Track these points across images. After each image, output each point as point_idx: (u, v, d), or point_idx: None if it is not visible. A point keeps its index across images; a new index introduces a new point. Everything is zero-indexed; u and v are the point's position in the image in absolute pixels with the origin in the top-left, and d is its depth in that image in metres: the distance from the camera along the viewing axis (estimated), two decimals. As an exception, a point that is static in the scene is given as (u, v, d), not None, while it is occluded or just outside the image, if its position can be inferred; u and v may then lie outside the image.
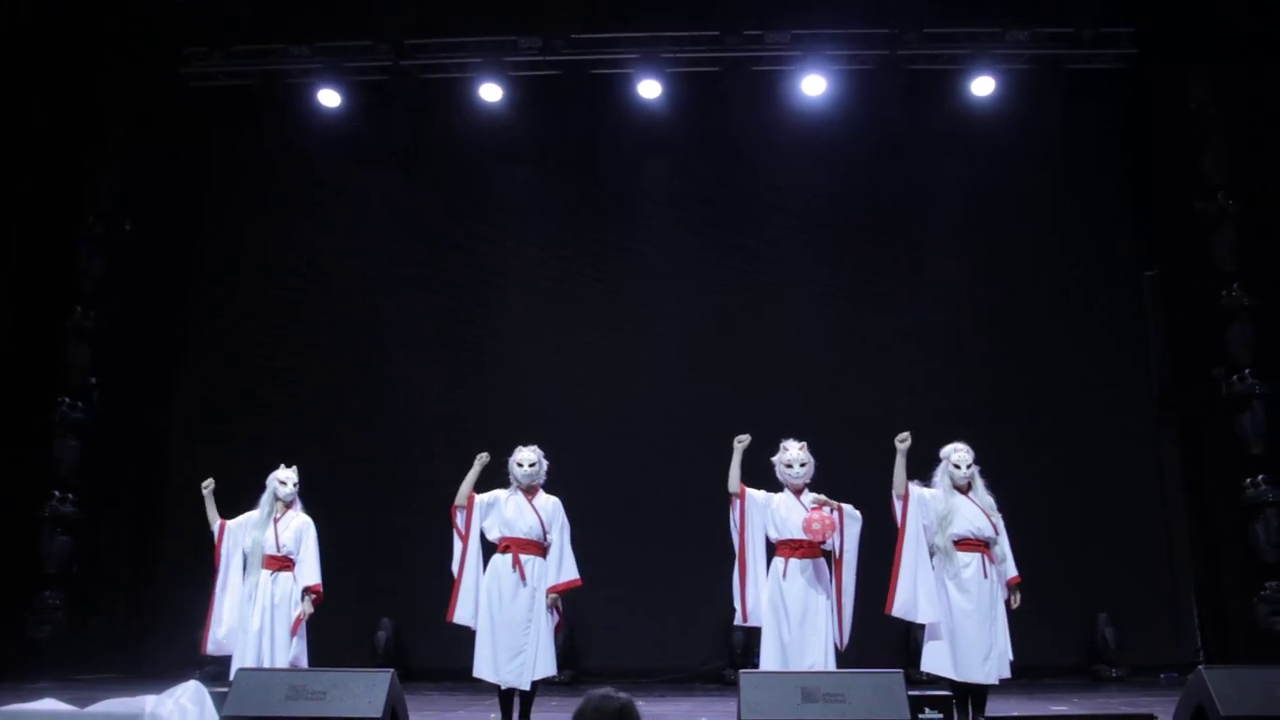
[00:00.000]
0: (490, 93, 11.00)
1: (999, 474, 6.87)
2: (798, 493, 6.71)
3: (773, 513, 6.68)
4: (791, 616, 6.45)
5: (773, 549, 6.67)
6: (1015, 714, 6.27)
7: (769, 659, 6.51)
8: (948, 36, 10.78)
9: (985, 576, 6.43)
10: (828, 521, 6.43)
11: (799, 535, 6.52)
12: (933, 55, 10.88)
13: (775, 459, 6.84)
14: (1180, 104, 10.68)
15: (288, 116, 11.23)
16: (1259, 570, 9.49)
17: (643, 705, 3.37)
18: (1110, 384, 10.94)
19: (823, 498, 6.62)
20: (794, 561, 6.52)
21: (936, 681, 6.64)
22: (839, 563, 6.52)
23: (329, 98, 11.11)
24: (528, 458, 6.87)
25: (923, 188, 11.40)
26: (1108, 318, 11.12)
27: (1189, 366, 10.81)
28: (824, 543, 6.48)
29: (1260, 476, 9.85)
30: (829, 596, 6.51)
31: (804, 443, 6.84)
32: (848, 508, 6.62)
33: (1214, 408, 10.39)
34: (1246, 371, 10.09)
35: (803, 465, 6.73)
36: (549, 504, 6.85)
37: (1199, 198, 10.47)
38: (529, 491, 6.82)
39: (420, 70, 11.15)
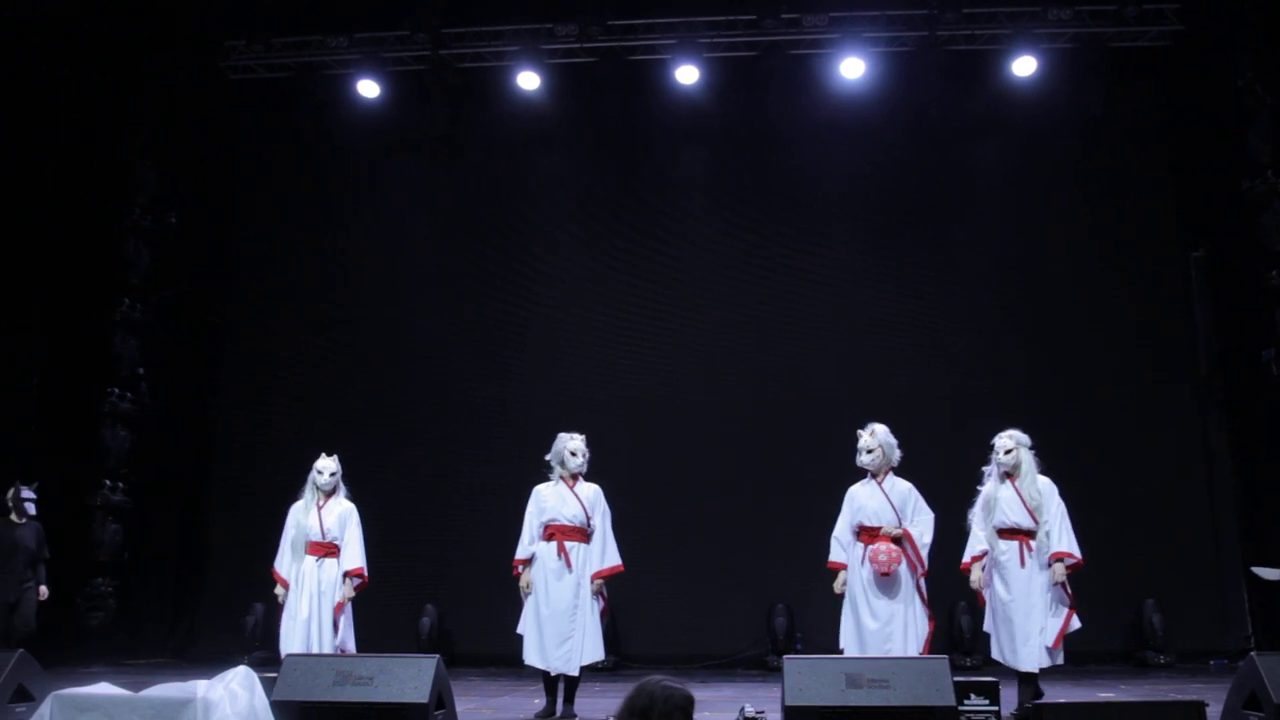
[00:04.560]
0: (528, 81, 11.00)
1: (1042, 454, 6.83)
2: (877, 478, 6.73)
3: (851, 499, 6.74)
4: (873, 605, 6.52)
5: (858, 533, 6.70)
6: (1061, 700, 6.20)
7: (849, 642, 6.59)
8: (988, 16, 10.65)
9: (1023, 565, 6.43)
10: (893, 554, 6.48)
11: (876, 523, 6.60)
12: (972, 35, 10.76)
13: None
14: (1226, 82, 10.47)
15: (326, 108, 11.31)
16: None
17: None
18: (1154, 367, 10.82)
19: (905, 488, 6.66)
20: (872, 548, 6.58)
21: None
22: (913, 566, 6.59)
23: (368, 88, 11.17)
24: (579, 447, 6.88)
25: (963, 170, 11.31)
26: (1151, 299, 10.99)
27: (1237, 348, 10.64)
28: (889, 574, 6.51)
29: (1311, 459, 9.70)
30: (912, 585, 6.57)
31: (875, 428, 6.78)
32: (916, 530, 6.58)
33: (1264, 389, 10.21)
34: (1295, 353, 9.91)
35: (870, 452, 6.70)
36: (590, 491, 6.87)
37: (1246, 176, 10.28)
38: (571, 479, 6.84)
39: (457, 59, 11.19)
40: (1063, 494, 6.55)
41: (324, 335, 11.53)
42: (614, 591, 7.11)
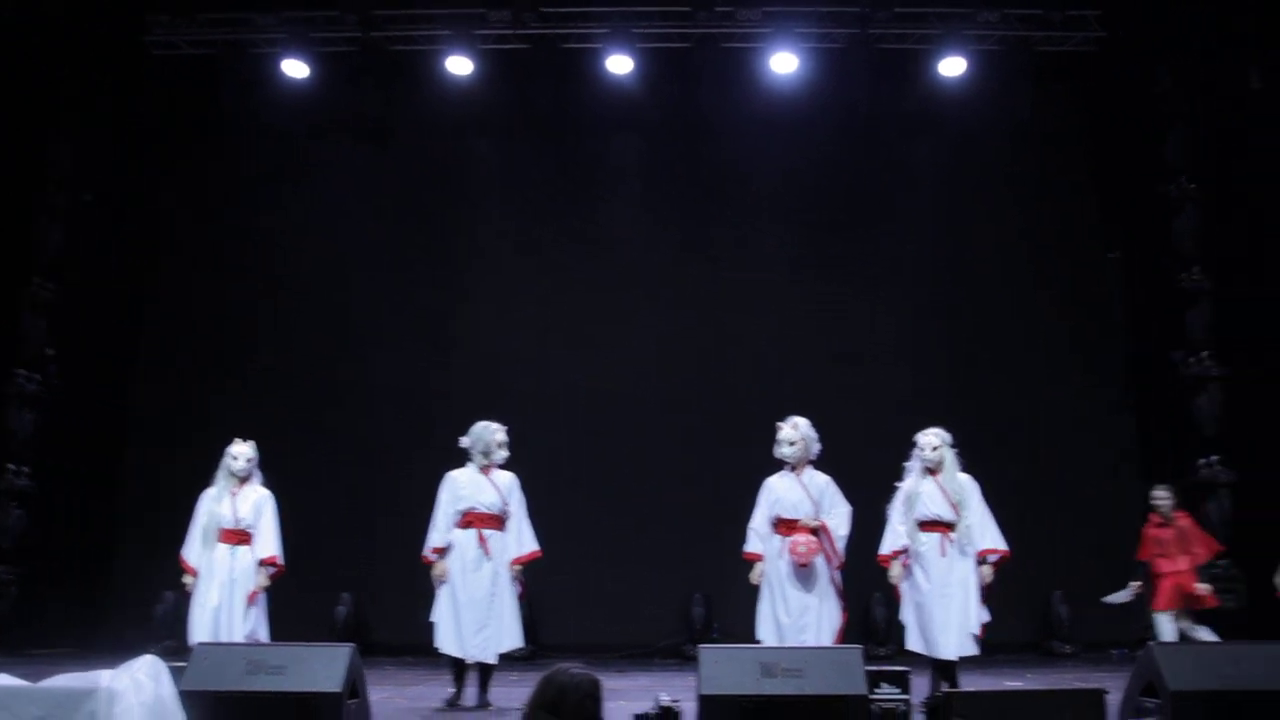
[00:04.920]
0: (459, 65, 10.88)
1: (962, 453, 6.95)
2: (796, 470, 6.83)
3: (769, 490, 6.83)
4: (789, 597, 6.63)
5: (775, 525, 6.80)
6: (970, 689, 6.34)
7: (765, 631, 6.70)
8: (918, 16, 10.78)
9: (943, 555, 6.55)
10: (812, 546, 6.61)
11: (794, 515, 6.71)
12: (903, 35, 10.89)
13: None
14: (1145, 88, 10.77)
15: (253, 87, 11.08)
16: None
17: (601, 680, 3.37)
18: (1072, 365, 11.09)
19: (823, 481, 6.77)
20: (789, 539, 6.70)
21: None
22: (829, 558, 6.73)
23: (295, 68, 10.96)
24: (505, 439, 6.89)
25: (893, 167, 11.46)
26: (1072, 300, 11.25)
27: (1150, 349, 10.93)
28: (806, 565, 6.62)
29: (1214, 457, 10.00)
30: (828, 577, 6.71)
31: (796, 420, 6.86)
32: (833, 522, 6.72)
33: (1172, 390, 10.51)
34: (1204, 354, 10.21)
35: (791, 444, 6.77)
36: (506, 478, 6.89)
37: (1161, 181, 10.57)
38: (486, 468, 6.83)
39: (388, 42, 11.03)
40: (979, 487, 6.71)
41: (245, 318, 11.32)
42: (532, 580, 7.12)
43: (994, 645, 6.83)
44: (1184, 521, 8.49)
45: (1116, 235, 11.35)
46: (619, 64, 10.83)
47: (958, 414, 7.72)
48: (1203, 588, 8.24)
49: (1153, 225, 10.74)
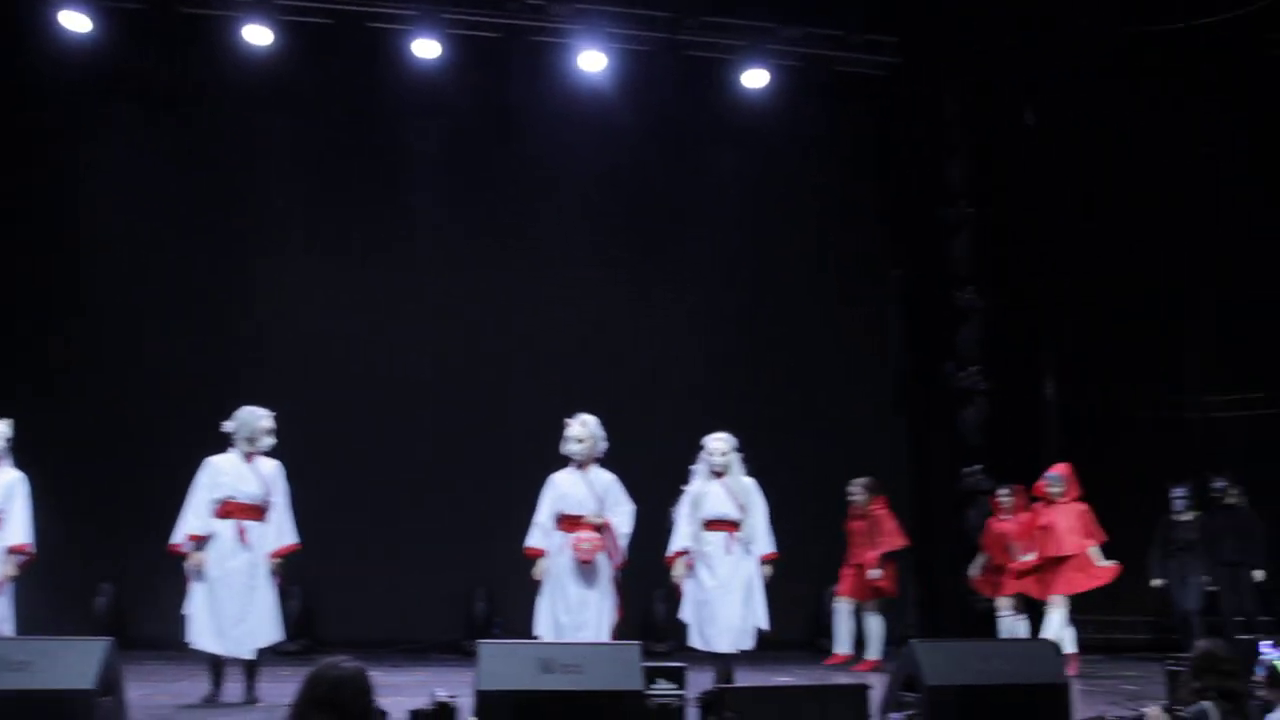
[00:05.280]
0: (257, 35, 10.40)
1: (750, 456, 7.18)
2: (582, 467, 6.87)
3: (554, 486, 6.86)
4: (569, 593, 6.68)
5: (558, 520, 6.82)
6: (740, 685, 6.54)
7: (545, 627, 6.72)
8: (725, 26, 10.98)
9: (729, 553, 6.77)
10: (596, 543, 6.69)
11: (579, 511, 6.76)
12: (710, 44, 11.07)
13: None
14: (933, 115, 11.36)
15: (26, 39, 10.24)
16: (969, 554, 10.25)
17: (378, 675, 3.31)
18: (856, 377, 11.57)
19: (608, 479, 6.85)
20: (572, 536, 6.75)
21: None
22: (611, 556, 6.83)
23: (74, 21, 10.18)
24: (271, 426, 6.69)
25: (695, 173, 11.64)
26: (860, 314, 11.75)
27: (925, 362, 11.56)
28: (589, 562, 6.67)
29: (977, 466, 10.69)
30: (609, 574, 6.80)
31: (585, 418, 6.90)
32: (616, 520, 6.80)
33: (943, 402, 11.17)
34: (974, 369, 10.89)
35: (579, 441, 6.79)
36: (270, 467, 6.70)
37: (942, 204, 11.19)
38: (250, 455, 6.58)
39: (180, 3, 10.41)
40: (764, 490, 6.96)
41: (8, 288, 10.45)
42: (309, 574, 6.92)
43: (767, 643, 7.09)
44: (879, 512, 9.14)
45: (901, 252, 11.93)
46: (426, 48, 10.60)
47: (745, 419, 7.95)
48: (874, 574, 8.86)
49: (933, 245, 11.36)
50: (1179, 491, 9.85)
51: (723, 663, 6.78)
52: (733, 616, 6.73)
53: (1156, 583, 9.75)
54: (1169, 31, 10.19)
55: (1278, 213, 11.02)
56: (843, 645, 9.41)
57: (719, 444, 6.96)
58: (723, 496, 6.87)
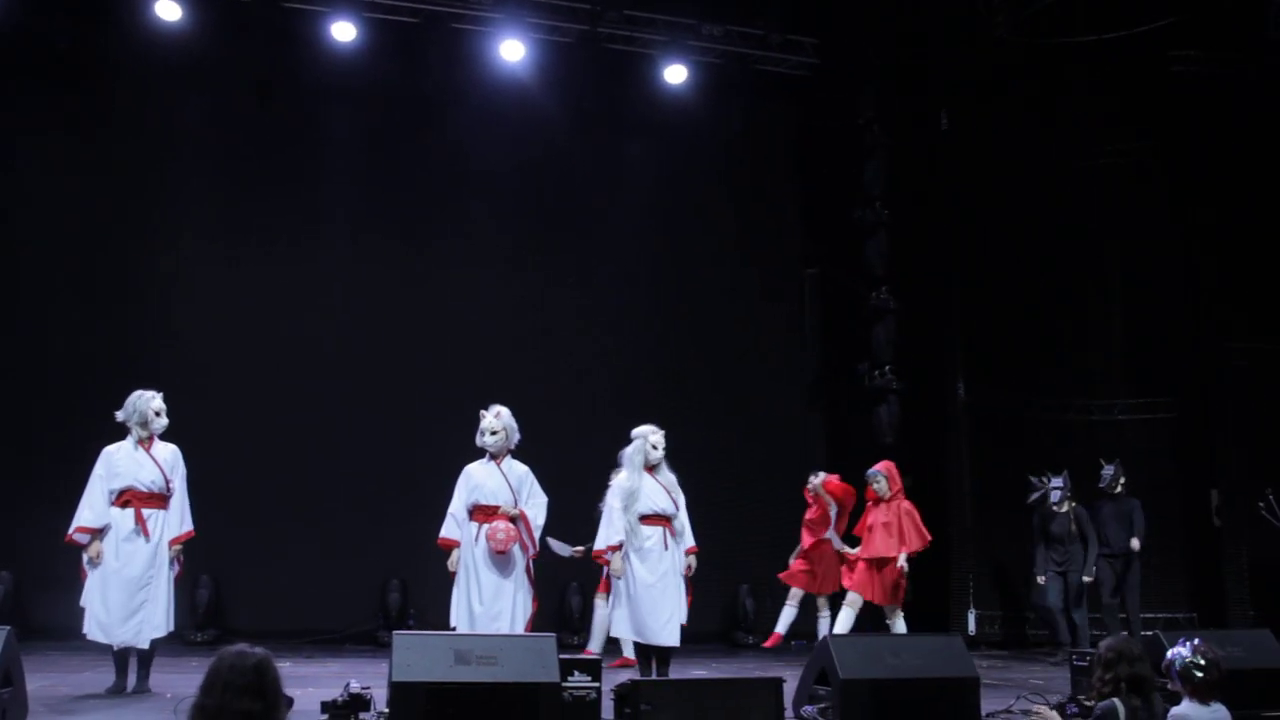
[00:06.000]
0: (166, 11, 10.08)
1: (668, 452, 7.17)
2: (497, 459, 6.87)
3: (468, 476, 6.83)
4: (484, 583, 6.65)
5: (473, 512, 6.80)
6: (654, 678, 6.55)
7: (460, 618, 6.68)
8: (646, 21, 10.99)
9: (666, 548, 6.83)
10: (510, 533, 6.67)
11: (494, 502, 6.74)
12: (630, 37, 11.07)
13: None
14: (850, 117, 11.50)
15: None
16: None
17: (290, 667, 3.22)
18: (772, 375, 11.69)
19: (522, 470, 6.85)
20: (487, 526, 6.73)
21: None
22: (525, 546, 6.85)
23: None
24: (162, 406, 6.57)
25: (613, 166, 11.62)
26: (775, 311, 11.85)
27: (839, 361, 11.70)
28: (504, 553, 6.65)
29: (888, 465, 10.82)
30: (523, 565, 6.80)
31: (499, 409, 6.87)
32: (531, 511, 6.82)
33: (856, 400, 11.32)
34: (887, 368, 11.06)
35: (494, 433, 6.74)
36: (168, 453, 6.56)
37: (858, 205, 11.34)
38: (148, 441, 6.40)
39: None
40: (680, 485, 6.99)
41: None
42: (221, 562, 6.75)
43: (686, 635, 7.10)
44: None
45: (818, 251, 12.06)
46: (342, 31, 10.40)
47: (661, 412, 7.94)
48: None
49: (848, 245, 11.50)
50: (1056, 483, 9.84)
51: (662, 654, 6.81)
52: (673, 610, 6.77)
53: (1042, 579, 9.76)
54: (1081, 43, 10.46)
55: (1181, 219, 11.41)
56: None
57: (659, 437, 6.96)
58: (659, 491, 6.88)
